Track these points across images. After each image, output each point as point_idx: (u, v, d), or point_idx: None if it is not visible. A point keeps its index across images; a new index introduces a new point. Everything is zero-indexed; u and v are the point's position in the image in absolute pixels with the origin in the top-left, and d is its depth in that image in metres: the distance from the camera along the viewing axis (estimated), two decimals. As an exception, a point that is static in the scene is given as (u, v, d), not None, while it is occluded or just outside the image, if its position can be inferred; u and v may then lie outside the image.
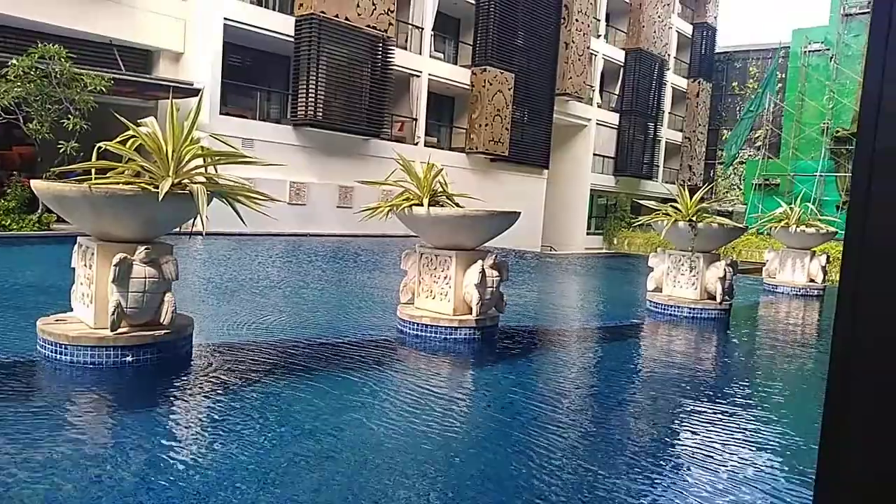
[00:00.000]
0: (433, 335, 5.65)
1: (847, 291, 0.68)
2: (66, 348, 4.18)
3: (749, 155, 33.83)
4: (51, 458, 2.84)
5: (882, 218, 0.65)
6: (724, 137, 37.05)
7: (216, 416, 3.59)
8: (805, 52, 29.92)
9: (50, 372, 4.18)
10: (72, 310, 4.67)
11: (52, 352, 4.23)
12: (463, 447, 3.41)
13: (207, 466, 2.89)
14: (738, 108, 37.32)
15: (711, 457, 3.42)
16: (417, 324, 5.73)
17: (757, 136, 32.62)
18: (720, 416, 4.22)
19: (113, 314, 4.13)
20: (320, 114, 17.94)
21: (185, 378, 4.27)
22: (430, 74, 22.03)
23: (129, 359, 4.21)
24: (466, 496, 2.78)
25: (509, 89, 23.75)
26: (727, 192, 35.55)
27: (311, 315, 6.94)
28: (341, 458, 3.08)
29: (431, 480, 2.93)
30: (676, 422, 4.12)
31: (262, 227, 13.82)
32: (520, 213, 6.12)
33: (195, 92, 15.44)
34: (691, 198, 8.17)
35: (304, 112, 17.90)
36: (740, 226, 8.82)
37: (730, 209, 31.54)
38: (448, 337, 5.63)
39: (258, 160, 5.35)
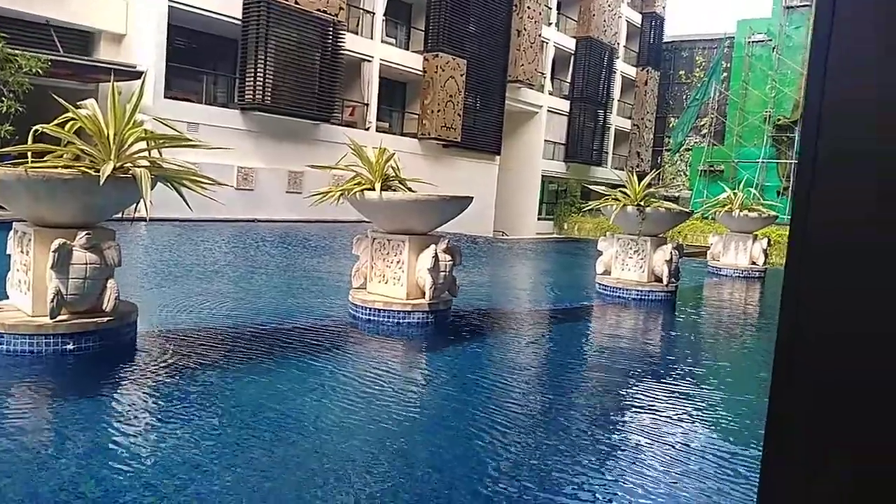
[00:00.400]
0: (386, 319, 5.64)
1: (791, 284, 0.69)
2: (2, 337, 4.02)
3: (695, 142, 34.62)
4: (-13, 449, 2.74)
5: (823, 213, 0.66)
6: (671, 125, 37.82)
7: (163, 403, 3.51)
8: (749, 42, 30.69)
9: (-15, 362, 4.02)
10: (7, 297, 4.50)
11: (-13, 341, 4.06)
12: (418, 427, 3.42)
13: (154, 453, 2.83)
14: (684, 97, 38.11)
15: (658, 428, 3.51)
16: (370, 308, 5.71)
17: (702, 123, 33.39)
18: (665, 390, 4.33)
19: (52, 301, 3.99)
20: (268, 98, 17.58)
21: (129, 366, 4.16)
22: (381, 59, 21.82)
23: (69, 347, 4.08)
24: (424, 473, 2.80)
25: (462, 75, 23.71)
26: (674, 178, 36.36)
27: (260, 301, 6.84)
28: (296, 440, 3.06)
29: (387, 459, 2.93)
30: (625, 396, 4.21)
31: (209, 213, 13.54)
32: (472, 198, 6.15)
33: (138, 74, 14.92)
34: (639, 183, 8.33)
35: (251, 96, 17.52)
36: (686, 210, 9.04)
37: (676, 195, 32.32)
38: (401, 321, 5.62)
39: (203, 143, 5.25)
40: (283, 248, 12.49)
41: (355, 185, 5.83)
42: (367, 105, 21.71)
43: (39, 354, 4.02)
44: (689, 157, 34.44)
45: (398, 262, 5.80)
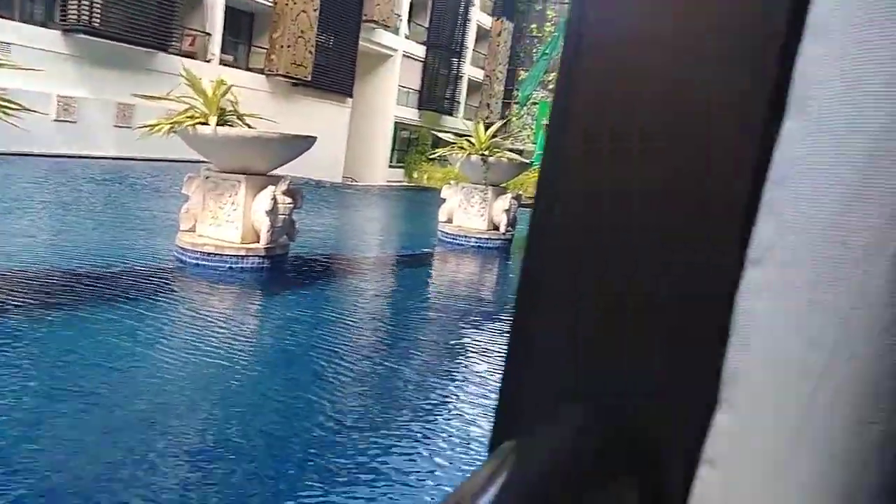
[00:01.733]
0: (217, 264, 5.40)
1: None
2: None
3: (542, 96, 35.86)
4: None
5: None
6: (520, 78, 38.82)
7: (-51, 354, 3.15)
8: None
9: None
10: None
11: None
12: (244, 376, 3.34)
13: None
14: (535, 50, 39.15)
15: (496, 363, 3.68)
16: (199, 252, 5.44)
17: (550, 78, 34.58)
18: (499, 330, 4.54)
19: None
20: (97, 20, 15.85)
21: None
22: (225, -15, 20.35)
23: None
24: (250, 420, 2.74)
25: (314, 10, 22.71)
26: (521, 130, 37.56)
27: (75, 243, 6.27)
28: (110, 394, 2.87)
29: (212, 408, 2.84)
30: (458, 337, 4.37)
31: (21, 147, 12.14)
32: (315, 137, 5.99)
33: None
34: (485, 133, 8.53)
35: (76, 16, 15.69)
36: (526, 161, 9.41)
37: (522, 148, 33.46)
38: (234, 266, 5.42)
39: (9, 63, 4.68)
40: (107, 186, 11.54)
41: (187, 118, 5.47)
42: (210, 35, 20.26)
43: None
44: (535, 111, 35.64)
45: (232, 204, 5.55)
